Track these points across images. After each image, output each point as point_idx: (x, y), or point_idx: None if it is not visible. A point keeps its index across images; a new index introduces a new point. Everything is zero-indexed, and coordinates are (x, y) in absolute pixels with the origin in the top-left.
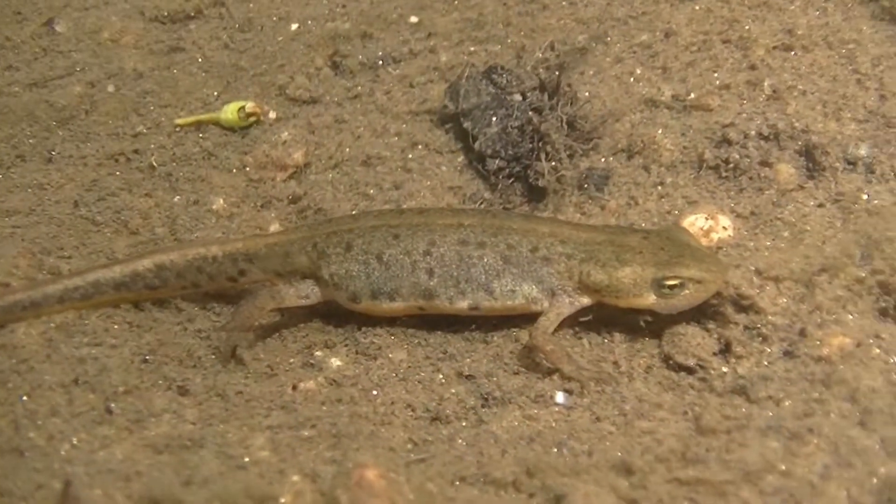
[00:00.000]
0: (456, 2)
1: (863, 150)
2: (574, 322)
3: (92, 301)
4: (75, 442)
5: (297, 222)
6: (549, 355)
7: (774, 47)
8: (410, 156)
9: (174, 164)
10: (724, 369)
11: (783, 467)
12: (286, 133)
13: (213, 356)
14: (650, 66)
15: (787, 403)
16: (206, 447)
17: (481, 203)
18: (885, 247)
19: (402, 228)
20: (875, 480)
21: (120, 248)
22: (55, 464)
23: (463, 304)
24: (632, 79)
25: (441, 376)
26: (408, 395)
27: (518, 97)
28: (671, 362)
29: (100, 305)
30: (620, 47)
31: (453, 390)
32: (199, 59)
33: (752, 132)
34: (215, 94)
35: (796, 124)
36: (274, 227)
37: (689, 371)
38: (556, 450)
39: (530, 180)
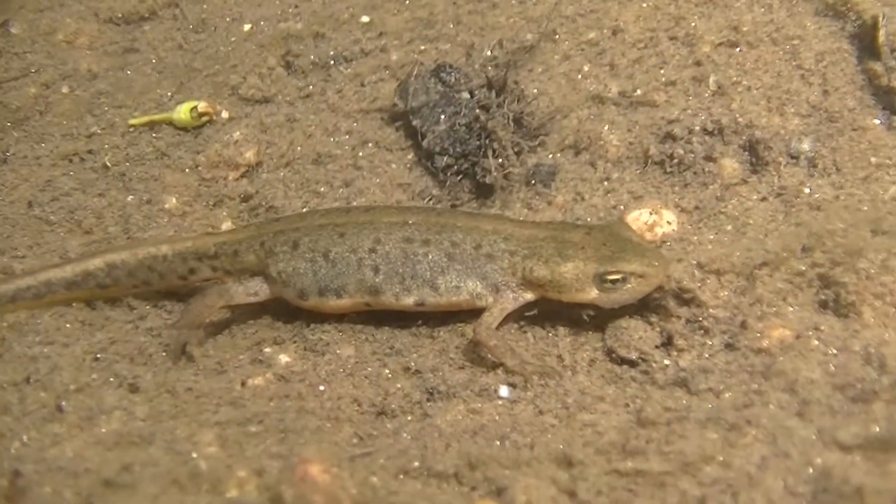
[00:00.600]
0: (407, 1)
1: (805, 145)
2: (519, 317)
3: (44, 300)
4: (25, 440)
5: (246, 221)
6: (492, 350)
7: (720, 44)
8: (361, 153)
9: (128, 163)
10: (666, 362)
11: (721, 458)
12: (238, 132)
13: (164, 353)
14: (598, 63)
15: (726, 395)
16: (156, 443)
17: (430, 200)
18: (825, 240)
19: (348, 227)
20: (811, 470)
21: (73, 247)
22: (4, 462)
23: (409, 301)
24: (579, 76)
25: (387, 371)
26: (354, 391)
27: (466, 95)
28: (614, 356)
29: (52, 304)
30: (569, 45)
31: (399, 385)
32: (153, 60)
33: (697, 128)
34: (169, 94)
35: (740, 119)
36: (226, 225)
37: (632, 364)
38: (498, 443)
39: (478, 177)
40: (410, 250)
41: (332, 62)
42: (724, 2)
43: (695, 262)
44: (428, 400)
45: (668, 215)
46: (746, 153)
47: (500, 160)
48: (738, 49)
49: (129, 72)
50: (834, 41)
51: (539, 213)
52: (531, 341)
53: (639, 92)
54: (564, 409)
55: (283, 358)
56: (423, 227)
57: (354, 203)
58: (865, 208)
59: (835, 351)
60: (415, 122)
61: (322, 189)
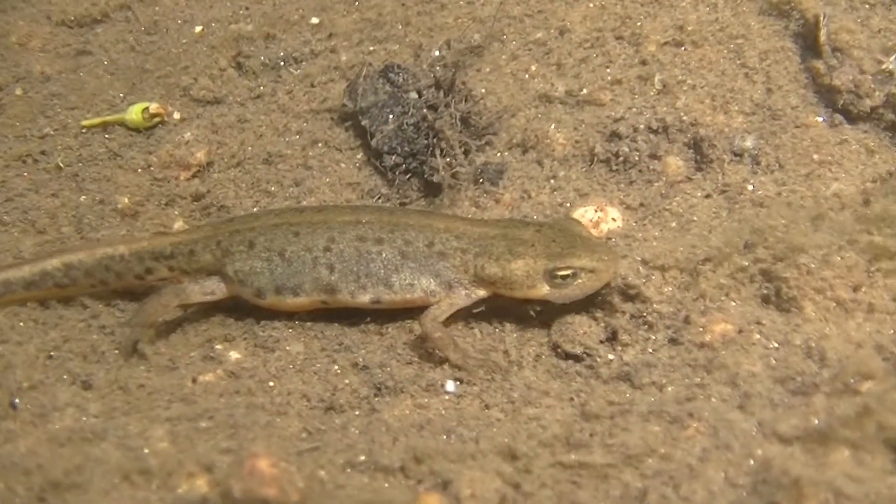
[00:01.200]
0: (356, 3)
1: (749, 142)
2: (467, 313)
3: (2, 299)
4: None
5: (199, 220)
6: (436, 342)
7: (665, 43)
8: (311, 153)
9: (80, 164)
10: (611, 357)
11: (663, 451)
12: (189, 133)
13: (116, 351)
14: (545, 62)
15: (669, 389)
16: (108, 439)
17: (379, 199)
18: (767, 236)
19: (302, 226)
20: (752, 462)
21: (27, 247)
22: None
23: (364, 298)
24: (527, 75)
25: (336, 367)
26: (304, 386)
27: (414, 95)
28: (559, 351)
29: (9, 304)
30: (516, 45)
31: (347, 381)
32: (106, 62)
33: (642, 126)
34: (121, 95)
35: (685, 118)
36: (178, 224)
37: (577, 359)
38: (444, 437)
39: (426, 176)
40: (364, 249)
41: (282, 63)
42: (670, 1)
43: (639, 259)
44: (375, 395)
45: (613, 212)
46: (691, 151)
47: (448, 159)
48: (683, 48)
49: (81, 74)
50: (777, 40)
51: (487, 210)
52: (478, 337)
53: (585, 91)
54: (510, 403)
55: (234, 355)
56: (377, 226)
57: (305, 202)
58: (807, 205)
59: (776, 345)
60: (364, 122)
61: (272, 189)
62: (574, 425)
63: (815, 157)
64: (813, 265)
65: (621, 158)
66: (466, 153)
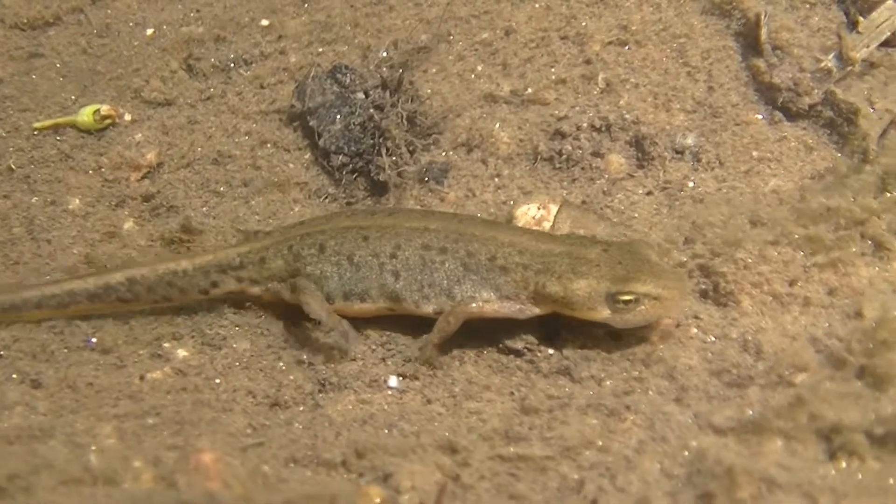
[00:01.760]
0: (306, 5)
1: (690, 140)
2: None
3: (68, 310)
4: None
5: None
6: (441, 324)
7: (609, 42)
8: (259, 154)
9: (32, 166)
10: (551, 351)
11: (601, 443)
12: (140, 134)
13: (66, 350)
14: (491, 62)
15: (608, 383)
16: (56, 437)
17: (325, 198)
18: (706, 232)
19: (371, 230)
20: (687, 453)
21: None
22: None
23: (428, 309)
24: (473, 75)
25: (282, 364)
26: (250, 383)
27: (361, 95)
28: (501, 346)
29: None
30: (462, 45)
31: (292, 377)
32: (58, 65)
33: (585, 124)
34: (73, 98)
35: (627, 116)
36: (127, 225)
37: (518, 354)
38: (386, 431)
39: (372, 175)
40: (428, 258)
41: (232, 65)
42: (615, 1)
43: None
44: (320, 391)
45: (556, 210)
46: (633, 149)
47: (394, 158)
48: (627, 47)
49: (34, 76)
50: (719, 39)
51: (431, 208)
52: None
53: (530, 90)
54: (451, 398)
55: (181, 352)
56: (442, 234)
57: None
58: (746, 201)
59: (713, 338)
60: (311, 123)
61: (221, 189)
62: (514, 419)
63: (755, 153)
64: (750, 260)
65: (564, 156)
66: (412, 152)
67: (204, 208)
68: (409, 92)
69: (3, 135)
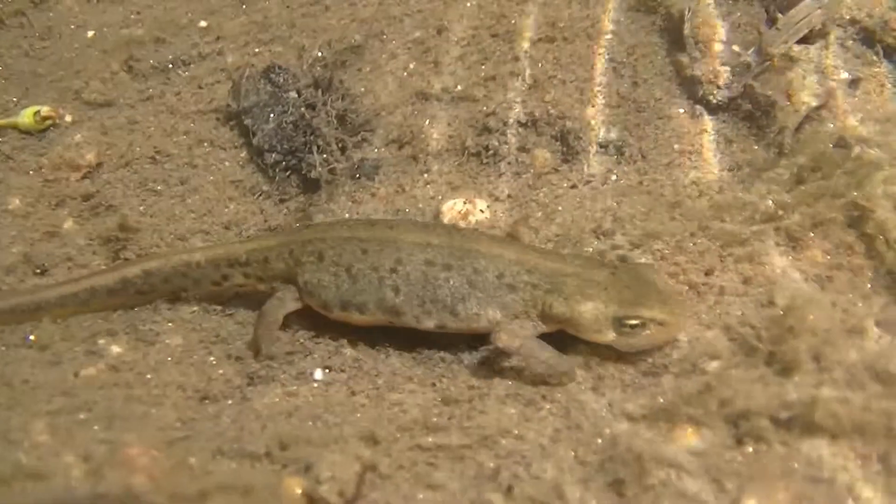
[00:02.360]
0: (244, 6)
1: (613, 134)
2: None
3: (91, 306)
4: None
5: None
6: (523, 352)
7: (538, 39)
8: (196, 152)
9: None
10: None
11: (517, 431)
12: (80, 135)
13: (4, 347)
14: (423, 60)
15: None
16: None
17: (260, 196)
18: (626, 224)
19: (371, 243)
20: (600, 441)
21: None
22: None
23: (429, 324)
24: (405, 73)
25: (212, 358)
26: (181, 378)
27: (294, 94)
28: (426, 337)
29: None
30: (396, 44)
31: (222, 371)
32: (0, 68)
33: (512, 120)
34: (14, 100)
35: (552, 111)
36: (67, 224)
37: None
38: (310, 423)
39: (304, 172)
40: (432, 274)
41: (171, 66)
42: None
43: None
44: (248, 384)
45: (481, 204)
46: (558, 143)
47: (325, 156)
48: (555, 44)
49: None
50: (645, 35)
51: (363, 205)
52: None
53: (460, 88)
54: (375, 389)
55: (115, 349)
56: (446, 251)
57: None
58: (666, 193)
59: None
60: (246, 122)
61: (159, 188)
62: (433, 409)
63: (676, 146)
64: (667, 251)
65: (492, 152)
66: (343, 150)
67: (141, 207)
68: (340, 91)
69: None
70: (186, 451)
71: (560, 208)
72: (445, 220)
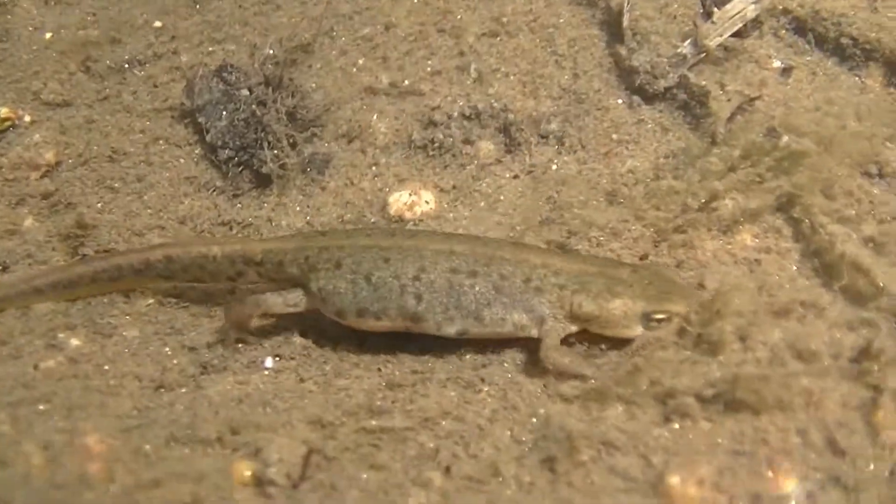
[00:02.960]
0: (197, 6)
1: (554, 125)
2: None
3: (115, 285)
4: None
5: (49, 217)
6: (568, 367)
7: (483, 34)
8: (152, 150)
9: None
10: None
11: (456, 413)
12: (38, 135)
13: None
14: (371, 56)
15: (467, 357)
16: None
17: (214, 191)
18: (564, 212)
19: (392, 251)
20: (535, 420)
21: None
22: None
23: (451, 330)
24: (354, 69)
25: (168, 349)
26: (137, 368)
27: (245, 92)
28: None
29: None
30: (345, 41)
31: (177, 361)
32: None
33: (456, 113)
34: None
35: (496, 104)
36: (27, 222)
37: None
38: (261, 409)
39: (256, 168)
40: (457, 281)
41: (127, 66)
42: None
43: None
44: (202, 373)
45: (427, 195)
46: (501, 135)
47: (275, 151)
48: (499, 38)
49: None
50: (585, 28)
51: (313, 198)
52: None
53: (407, 82)
54: (323, 376)
55: (74, 341)
56: (471, 258)
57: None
58: (604, 181)
59: None
60: (200, 119)
61: (117, 185)
62: (378, 394)
63: (614, 136)
64: (602, 238)
65: (437, 144)
66: (293, 145)
67: (100, 204)
68: (291, 88)
69: None
70: (142, 438)
71: (502, 198)
72: (392, 212)
